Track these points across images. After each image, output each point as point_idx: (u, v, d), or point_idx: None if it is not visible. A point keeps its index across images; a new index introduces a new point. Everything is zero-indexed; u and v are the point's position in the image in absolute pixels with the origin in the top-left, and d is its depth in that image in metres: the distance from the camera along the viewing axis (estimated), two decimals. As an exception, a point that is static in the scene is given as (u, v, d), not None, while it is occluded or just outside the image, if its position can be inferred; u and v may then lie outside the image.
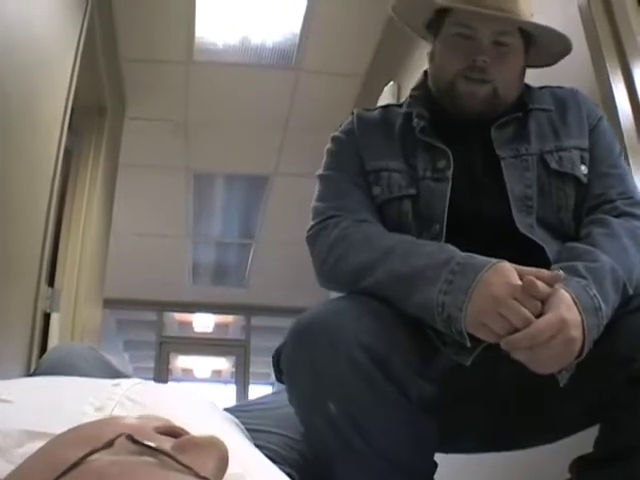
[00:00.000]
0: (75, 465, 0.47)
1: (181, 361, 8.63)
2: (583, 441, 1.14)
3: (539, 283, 0.99)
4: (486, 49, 1.26)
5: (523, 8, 1.26)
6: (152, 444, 0.50)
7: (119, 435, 0.50)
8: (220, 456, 0.51)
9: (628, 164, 1.51)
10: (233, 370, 8.40)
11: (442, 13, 1.32)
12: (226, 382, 8.65)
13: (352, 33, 3.70)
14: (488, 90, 1.27)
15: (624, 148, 1.56)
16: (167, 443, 0.51)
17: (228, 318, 8.23)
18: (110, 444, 0.49)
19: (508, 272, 1.01)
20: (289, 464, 1.00)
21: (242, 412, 1.13)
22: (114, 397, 0.75)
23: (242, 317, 8.05)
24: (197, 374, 8.85)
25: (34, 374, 1.11)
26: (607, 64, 1.70)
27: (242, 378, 7.92)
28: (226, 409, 1.08)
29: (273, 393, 1.42)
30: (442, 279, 1.04)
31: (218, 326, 8.34)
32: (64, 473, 0.47)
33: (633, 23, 1.74)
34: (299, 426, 1.09)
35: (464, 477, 1.62)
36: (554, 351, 0.96)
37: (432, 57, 1.36)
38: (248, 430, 0.80)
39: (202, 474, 0.48)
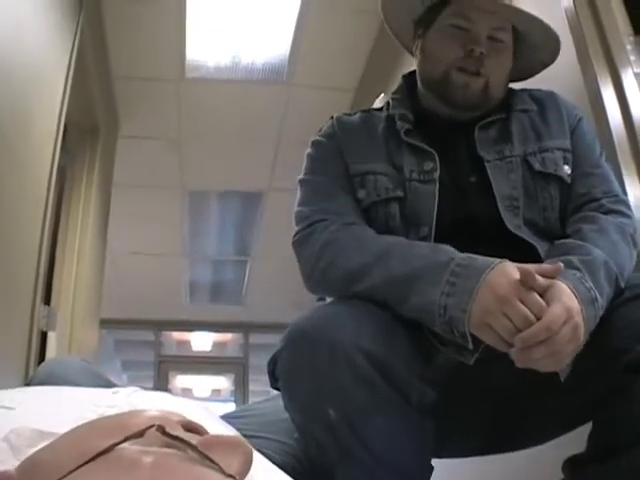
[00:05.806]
0: (105, 451, 0.47)
1: (180, 380, 8.58)
2: (576, 441, 1.14)
3: (538, 276, 0.99)
4: (482, 42, 1.26)
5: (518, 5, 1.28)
6: (184, 437, 0.50)
7: (150, 426, 0.50)
8: (245, 457, 0.51)
9: (618, 166, 1.52)
10: (232, 388, 8.36)
11: (437, 7, 1.32)
12: (225, 401, 8.60)
13: (342, 47, 3.73)
14: (481, 84, 1.27)
15: (614, 151, 1.56)
16: (193, 439, 0.51)
17: (226, 336, 8.20)
18: (141, 434, 0.50)
19: (511, 271, 1.00)
20: (284, 469, 1.00)
21: (236, 419, 1.12)
22: (116, 403, 0.75)
23: (240, 335, 8.03)
24: (196, 393, 8.80)
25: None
26: (595, 67, 1.70)
27: (241, 396, 7.88)
28: (222, 416, 1.07)
29: (266, 399, 1.40)
30: (444, 281, 1.02)
31: (216, 344, 8.31)
32: (93, 458, 0.47)
33: (620, 24, 1.74)
34: (293, 431, 1.08)
35: (458, 478, 1.61)
36: (565, 339, 0.95)
37: (422, 50, 1.34)
38: (243, 437, 0.80)
39: (228, 472, 0.48)
